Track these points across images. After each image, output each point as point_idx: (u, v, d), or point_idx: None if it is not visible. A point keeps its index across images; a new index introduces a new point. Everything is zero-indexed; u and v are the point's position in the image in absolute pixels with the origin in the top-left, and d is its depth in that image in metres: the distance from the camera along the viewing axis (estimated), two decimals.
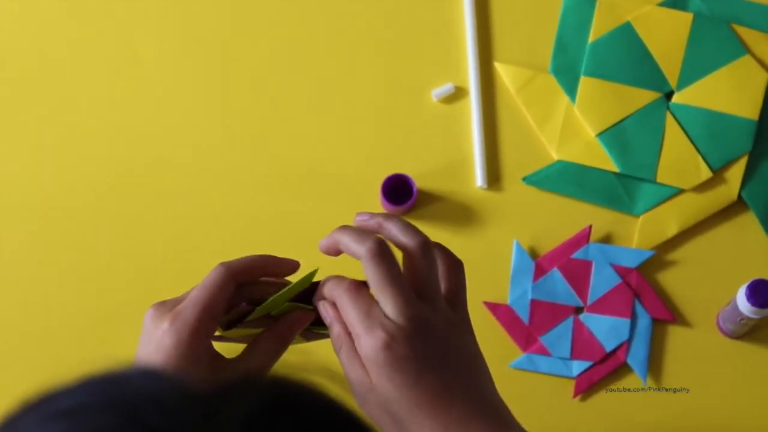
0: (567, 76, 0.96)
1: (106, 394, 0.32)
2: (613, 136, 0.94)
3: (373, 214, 0.56)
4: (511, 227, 0.93)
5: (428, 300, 0.53)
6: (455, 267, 0.57)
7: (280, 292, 0.56)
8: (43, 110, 0.97)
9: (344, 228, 0.55)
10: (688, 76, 0.95)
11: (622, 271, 0.91)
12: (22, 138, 0.97)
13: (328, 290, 0.55)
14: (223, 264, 0.55)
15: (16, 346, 0.92)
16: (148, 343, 0.53)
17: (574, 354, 0.90)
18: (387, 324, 0.51)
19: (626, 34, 0.96)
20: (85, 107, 0.97)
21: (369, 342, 0.51)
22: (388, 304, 0.51)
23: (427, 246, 0.54)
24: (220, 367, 0.54)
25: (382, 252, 0.52)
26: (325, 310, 0.55)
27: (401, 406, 0.51)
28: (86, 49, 0.99)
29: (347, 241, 0.53)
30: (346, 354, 0.53)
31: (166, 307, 0.54)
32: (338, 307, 0.54)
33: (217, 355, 0.55)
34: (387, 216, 0.55)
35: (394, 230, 0.54)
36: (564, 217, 0.93)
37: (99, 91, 0.98)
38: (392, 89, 0.97)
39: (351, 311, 0.52)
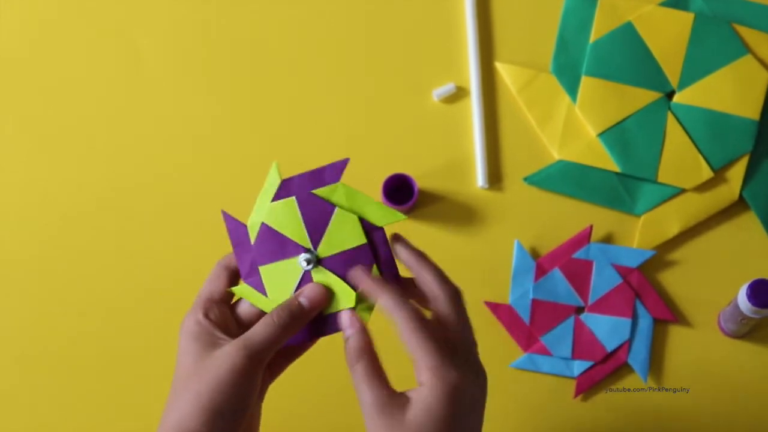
0: (568, 75, 0.96)
1: None
2: (614, 135, 0.94)
3: (411, 253, 0.58)
4: (512, 227, 0.93)
5: (460, 359, 0.54)
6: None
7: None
8: (42, 109, 0.97)
9: (384, 285, 0.56)
10: (689, 76, 0.95)
11: (623, 271, 0.91)
12: (21, 137, 0.97)
13: (385, 298, 0.56)
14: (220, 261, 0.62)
15: (17, 347, 0.92)
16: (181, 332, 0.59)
17: (575, 354, 0.90)
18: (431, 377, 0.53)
19: (627, 34, 0.96)
20: (85, 107, 0.97)
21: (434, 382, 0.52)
22: (425, 360, 0.53)
23: (459, 297, 0.57)
24: (221, 337, 0.57)
25: (418, 319, 0.54)
26: (348, 318, 0.57)
27: None
28: (87, 49, 0.99)
29: (387, 300, 0.56)
30: (365, 371, 0.54)
31: None
32: (401, 328, 0.54)
33: (221, 335, 0.58)
34: (423, 262, 0.58)
35: (428, 279, 0.57)
36: (565, 217, 0.93)
37: (100, 90, 0.98)
38: (393, 89, 0.97)
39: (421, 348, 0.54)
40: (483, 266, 0.92)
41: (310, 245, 0.59)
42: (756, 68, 0.95)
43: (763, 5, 0.97)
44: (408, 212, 0.93)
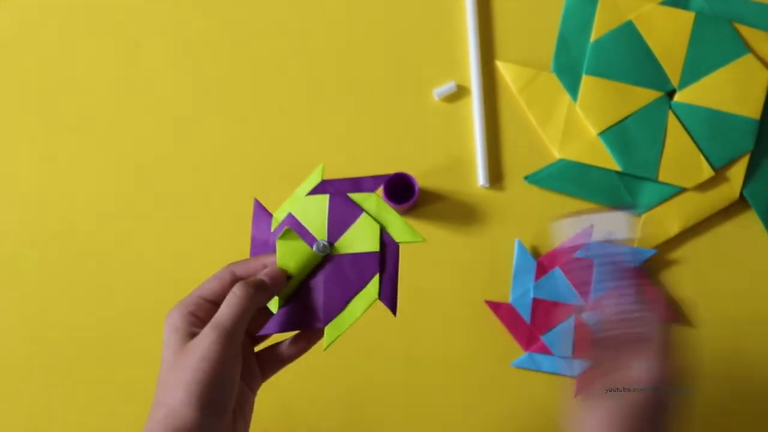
0: (569, 74, 0.96)
1: None
2: (615, 135, 0.94)
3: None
4: (512, 226, 0.93)
5: None
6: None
7: (298, 190, 0.62)
8: (42, 107, 0.97)
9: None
10: (689, 75, 0.95)
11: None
12: (20, 135, 0.97)
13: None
14: (227, 265, 0.62)
15: (17, 347, 0.92)
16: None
17: (576, 353, 0.90)
18: None
19: (628, 33, 0.96)
20: (85, 104, 0.97)
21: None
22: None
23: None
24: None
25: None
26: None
27: None
28: (87, 46, 0.99)
29: None
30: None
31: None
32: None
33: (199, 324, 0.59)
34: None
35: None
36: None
37: (99, 87, 0.98)
38: (394, 88, 0.97)
39: None
40: (484, 265, 0.92)
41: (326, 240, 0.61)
42: (756, 67, 0.95)
43: (764, 4, 0.97)
44: (408, 211, 0.93)
